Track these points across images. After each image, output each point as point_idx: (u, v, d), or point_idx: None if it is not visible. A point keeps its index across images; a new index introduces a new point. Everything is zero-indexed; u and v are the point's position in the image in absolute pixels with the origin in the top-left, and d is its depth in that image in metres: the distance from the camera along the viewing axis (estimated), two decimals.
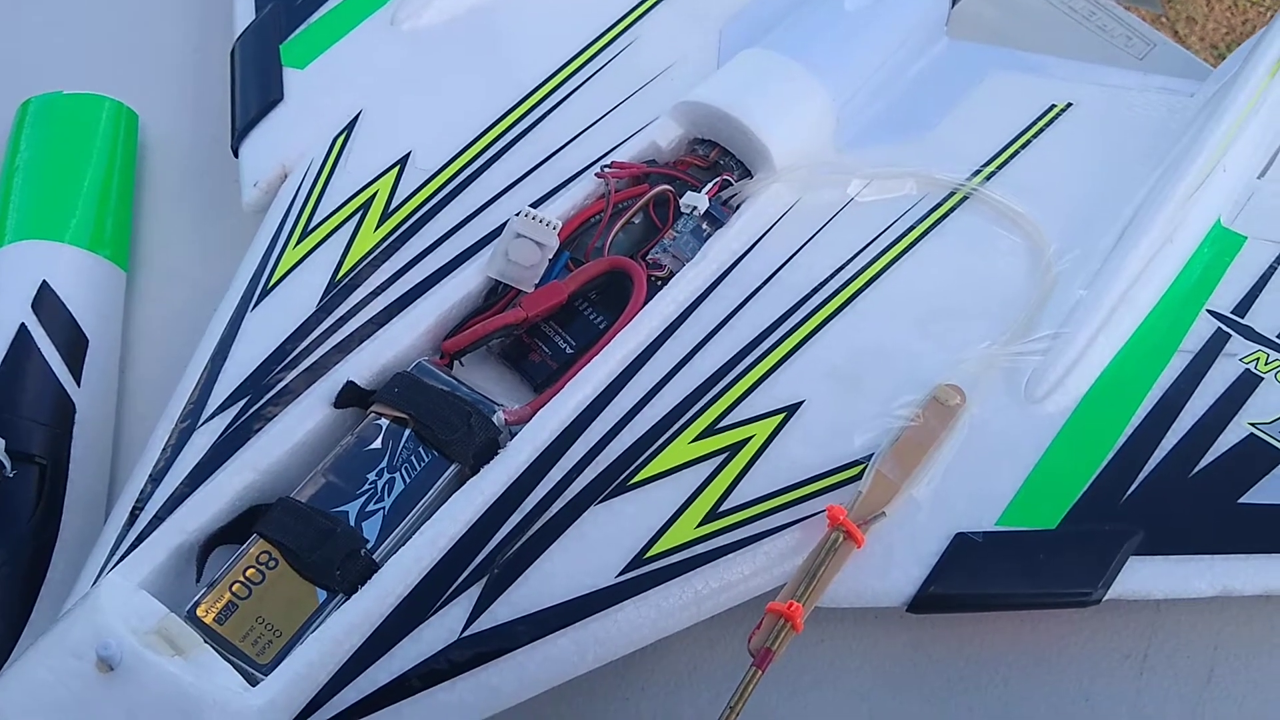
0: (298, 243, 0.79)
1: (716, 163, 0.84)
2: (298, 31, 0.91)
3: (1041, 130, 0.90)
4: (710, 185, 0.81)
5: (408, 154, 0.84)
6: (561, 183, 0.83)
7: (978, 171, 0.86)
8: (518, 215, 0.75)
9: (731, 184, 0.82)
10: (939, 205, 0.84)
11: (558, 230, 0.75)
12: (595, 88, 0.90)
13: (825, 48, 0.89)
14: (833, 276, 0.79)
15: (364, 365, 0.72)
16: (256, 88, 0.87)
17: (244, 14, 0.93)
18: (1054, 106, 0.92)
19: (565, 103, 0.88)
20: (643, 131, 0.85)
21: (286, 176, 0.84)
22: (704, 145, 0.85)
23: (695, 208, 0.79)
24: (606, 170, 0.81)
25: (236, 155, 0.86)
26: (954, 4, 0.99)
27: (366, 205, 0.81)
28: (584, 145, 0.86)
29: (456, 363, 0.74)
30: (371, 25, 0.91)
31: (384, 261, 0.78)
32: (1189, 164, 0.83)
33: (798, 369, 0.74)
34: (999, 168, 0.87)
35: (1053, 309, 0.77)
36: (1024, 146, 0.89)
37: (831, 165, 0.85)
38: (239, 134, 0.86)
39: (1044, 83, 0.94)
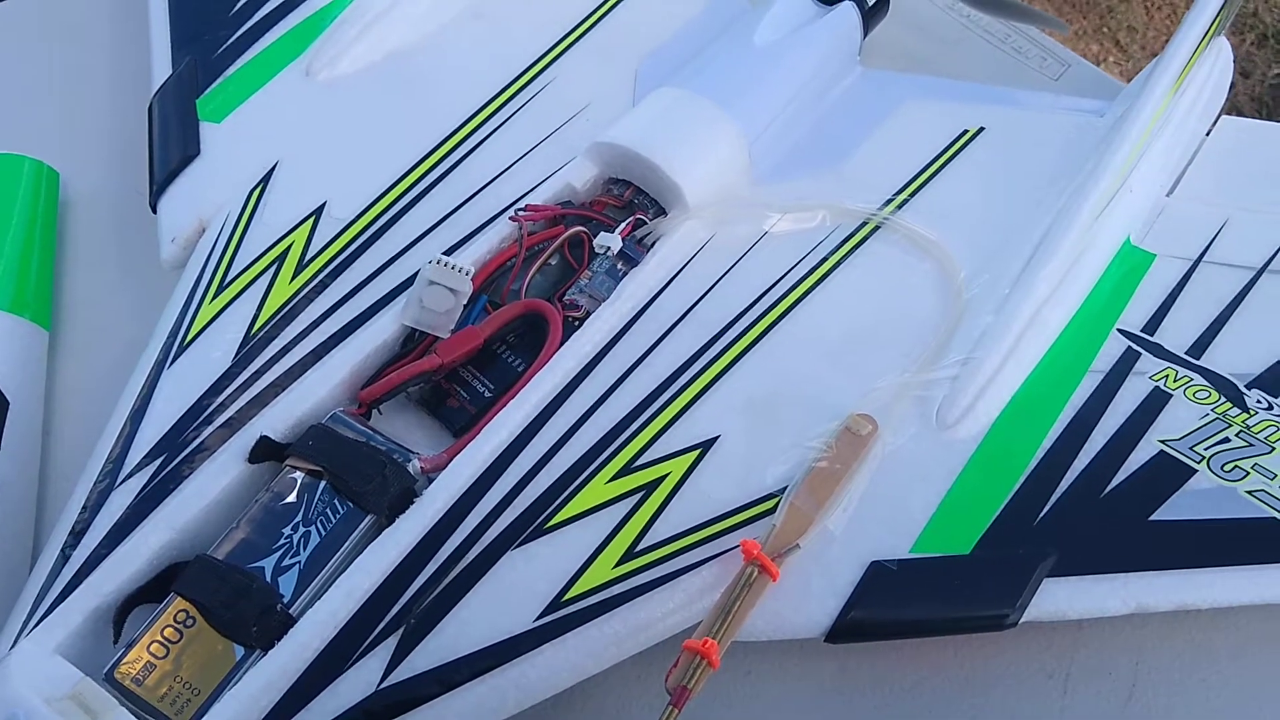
0: (214, 297, 0.79)
1: (631, 202, 0.85)
2: (214, 85, 0.91)
3: (953, 156, 0.92)
4: (623, 225, 0.82)
5: (323, 204, 0.84)
6: (478, 227, 0.84)
7: (890, 200, 0.88)
8: (431, 262, 0.76)
9: (645, 223, 0.83)
10: (851, 235, 0.85)
11: (471, 276, 0.76)
12: (512, 130, 0.91)
13: (735, 84, 0.90)
14: (747, 311, 0.80)
15: (279, 419, 0.72)
16: (174, 143, 0.88)
17: (161, 69, 0.94)
18: (966, 132, 0.94)
19: (482, 146, 0.89)
20: (558, 173, 0.86)
21: (204, 231, 0.84)
22: (619, 185, 0.86)
23: (609, 248, 0.80)
24: (520, 214, 0.82)
25: (155, 211, 0.86)
26: (866, 34, 1.00)
27: (282, 257, 0.81)
28: (501, 188, 0.86)
29: (374, 412, 0.75)
30: (287, 76, 0.92)
31: (300, 313, 0.78)
32: (1095, 184, 0.85)
33: (713, 404, 0.75)
34: (911, 195, 0.88)
35: (963, 335, 0.78)
36: (936, 173, 0.90)
37: (744, 200, 0.86)
38: (156, 190, 0.86)
39: (956, 108, 0.96)
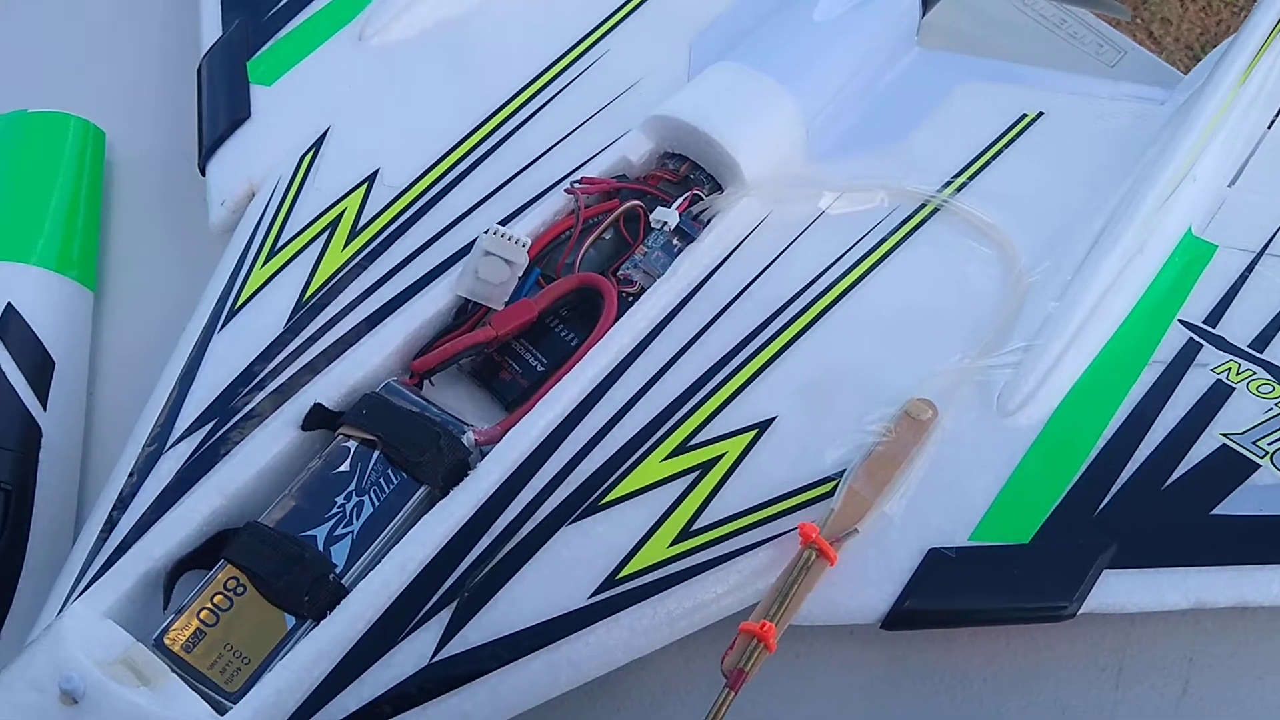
0: (265, 262, 0.78)
1: (687, 177, 0.84)
2: (265, 47, 0.90)
3: (1012, 140, 0.90)
4: (680, 200, 0.81)
5: (376, 171, 0.83)
6: (531, 199, 0.82)
7: (949, 183, 0.86)
8: (486, 233, 0.75)
9: (702, 199, 0.82)
10: (910, 217, 0.84)
11: (527, 248, 0.75)
12: (565, 102, 0.89)
13: (794, 60, 0.89)
14: (804, 291, 0.79)
15: (332, 386, 0.71)
16: (223, 105, 0.87)
17: (211, 30, 0.93)
18: (1024, 116, 0.92)
19: (535, 117, 0.88)
20: (613, 146, 0.84)
21: (254, 195, 0.83)
22: (674, 159, 0.84)
23: (665, 223, 0.79)
24: (576, 186, 0.80)
25: (204, 174, 0.85)
26: (924, 14, 0.99)
27: (334, 224, 0.80)
28: (554, 160, 0.85)
29: (426, 382, 0.74)
30: (339, 40, 0.91)
31: (352, 280, 0.77)
32: (1159, 173, 0.83)
33: (769, 385, 0.74)
34: (970, 178, 0.87)
35: (1024, 321, 0.77)
36: (995, 157, 0.89)
37: (802, 179, 0.85)
38: (206, 152, 0.85)
39: (1014, 92, 0.94)
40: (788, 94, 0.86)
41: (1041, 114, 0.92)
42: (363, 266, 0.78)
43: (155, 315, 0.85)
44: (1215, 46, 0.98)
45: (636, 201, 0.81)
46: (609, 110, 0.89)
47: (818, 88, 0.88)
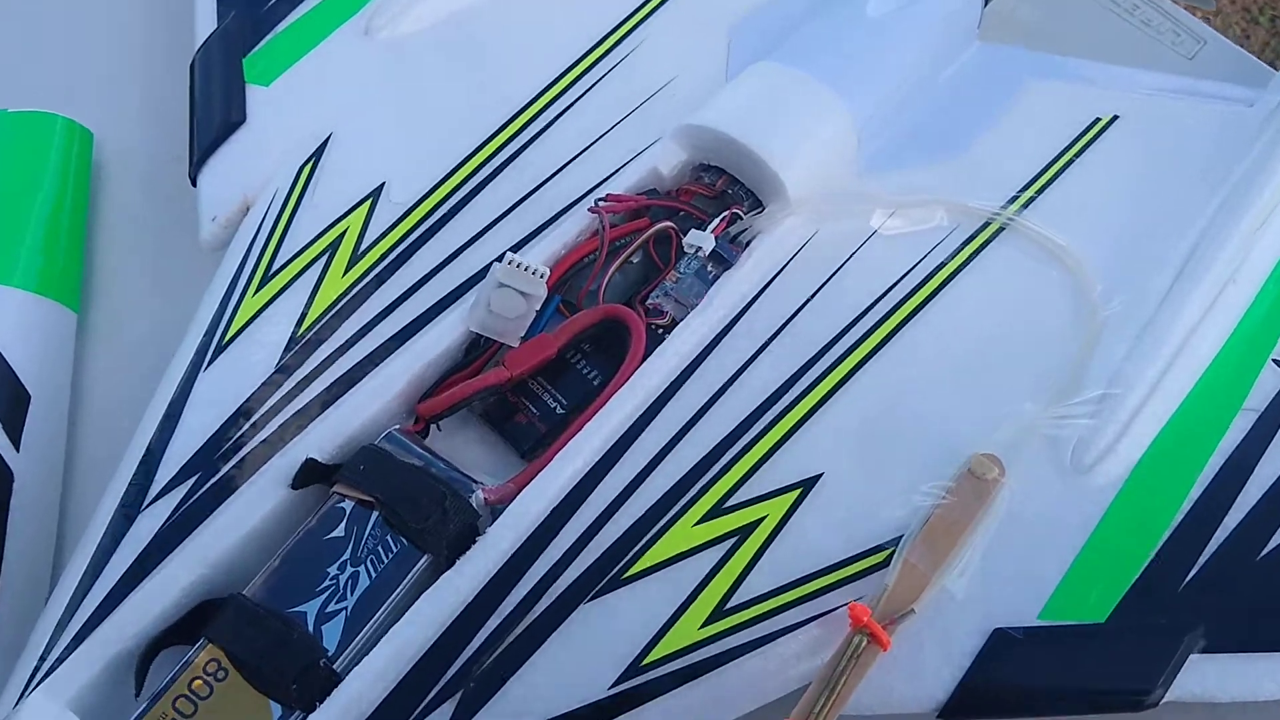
0: (257, 289, 0.71)
1: (724, 192, 0.76)
2: (263, 42, 0.82)
3: (1085, 148, 0.81)
4: (716, 221, 0.72)
5: (381, 184, 0.75)
6: (553, 215, 0.75)
7: (1015, 197, 0.78)
8: (500, 261, 0.67)
9: (741, 217, 0.74)
10: (972, 238, 0.75)
11: (545, 278, 0.67)
12: (590, 105, 0.81)
13: (844, 59, 0.80)
14: (854, 324, 0.71)
15: (327, 437, 0.64)
16: (217, 108, 0.79)
17: (205, 22, 0.85)
18: (1098, 120, 0.83)
19: (556, 123, 0.80)
20: (642, 157, 0.76)
21: (249, 209, 0.76)
22: (710, 172, 0.76)
23: (700, 248, 0.71)
24: (600, 204, 0.72)
25: (194, 184, 0.78)
26: (986, 3, 0.90)
27: (334, 246, 0.72)
28: (577, 173, 0.77)
29: (433, 428, 0.66)
30: (343, 35, 0.83)
31: (353, 312, 0.70)
32: (1254, 193, 0.75)
33: (815, 435, 0.66)
34: (1038, 192, 0.78)
35: (1101, 361, 0.69)
36: (1066, 167, 0.80)
37: (852, 195, 0.76)
38: (197, 160, 0.78)
39: (1086, 92, 0.85)
40: (838, 99, 0.77)
41: (1116, 118, 0.83)
42: (365, 295, 0.71)
43: (146, 337, 0.78)
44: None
45: (667, 223, 0.73)
46: (639, 113, 0.81)
47: (871, 91, 0.80)
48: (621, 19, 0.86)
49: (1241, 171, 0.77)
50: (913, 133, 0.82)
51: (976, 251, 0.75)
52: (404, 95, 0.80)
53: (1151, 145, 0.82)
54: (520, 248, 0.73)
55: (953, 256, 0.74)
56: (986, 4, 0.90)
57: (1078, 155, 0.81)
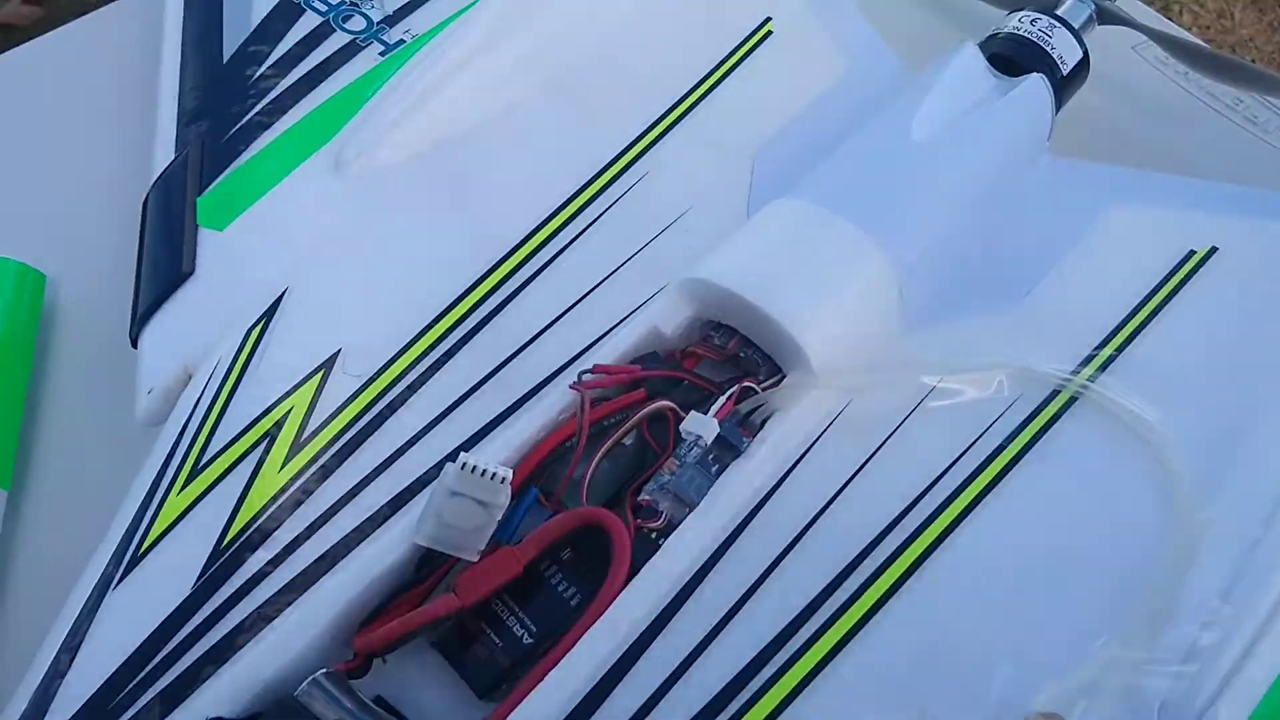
0: (184, 486, 0.60)
1: (737, 355, 0.64)
2: (220, 179, 0.73)
3: (1175, 291, 0.68)
4: (722, 400, 0.60)
5: (337, 352, 0.65)
6: (534, 387, 0.64)
7: (1090, 357, 0.64)
8: (455, 463, 0.56)
9: (756, 391, 0.62)
10: (1037, 412, 0.63)
11: (508, 481, 0.56)
12: (588, 246, 0.70)
13: (883, 194, 0.68)
14: (889, 531, 0.58)
15: (241, 684, 0.53)
16: (164, 257, 0.70)
17: (164, 152, 0.76)
18: (1192, 254, 0.70)
19: (548, 269, 0.69)
20: (640, 315, 0.65)
21: (190, 379, 0.66)
22: (721, 331, 0.64)
23: (700, 437, 0.59)
24: (585, 378, 0.61)
25: (134, 345, 0.68)
26: (1059, 109, 0.77)
27: (274, 431, 0.62)
28: (567, 331, 0.66)
29: (375, 662, 0.55)
30: (311, 169, 0.73)
31: (288, 516, 0.59)
32: None
33: (838, 684, 0.53)
34: (1118, 350, 0.65)
35: (1198, 587, 0.55)
36: (1152, 316, 0.67)
37: (890, 362, 0.64)
38: (139, 318, 0.68)
39: (1177, 218, 0.72)
40: (874, 245, 0.65)
41: (1214, 250, 0.70)
42: (304, 493, 0.60)
43: (87, 518, 0.68)
44: None
45: (663, 402, 0.61)
46: (645, 256, 0.70)
47: (916, 232, 0.67)
48: (630, 141, 0.75)
49: None
50: (968, 274, 0.69)
51: (1042, 430, 0.62)
52: (373, 241, 0.70)
53: (1257, 286, 0.68)
54: (494, 429, 0.62)
55: (1012, 438, 0.62)
56: (1059, 110, 0.77)
57: (1167, 300, 0.68)
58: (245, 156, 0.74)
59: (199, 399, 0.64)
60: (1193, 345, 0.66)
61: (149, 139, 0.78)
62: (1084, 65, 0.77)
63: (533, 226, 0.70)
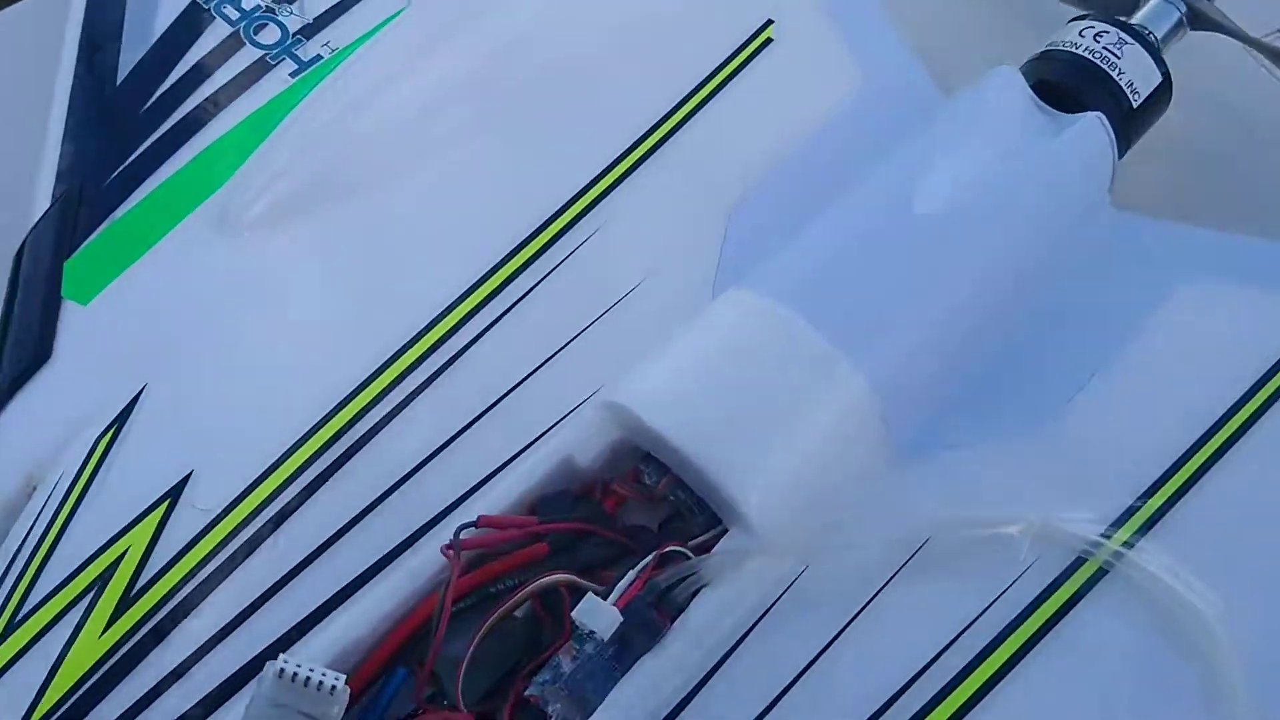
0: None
1: (668, 498, 0.50)
2: (93, 236, 0.61)
3: (1262, 411, 0.52)
4: (632, 576, 0.47)
5: (187, 476, 0.53)
6: (414, 533, 0.51)
7: (1131, 511, 0.49)
8: (273, 665, 0.44)
9: (686, 555, 0.49)
10: (1055, 585, 0.48)
11: (341, 691, 0.44)
12: (506, 335, 0.57)
13: (872, 290, 0.53)
14: None
15: None
16: (20, 335, 0.59)
17: (45, 191, 0.65)
18: None
19: (453, 367, 0.56)
20: (552, 439, 0.52)
21: (34, 492, 0.55)
22: (652, 465, 0.51)
23: (593, 632, 0.46)
24: (467, 536, 0.49)
25: None
26: (1126, 151, 0.60)
27: (106, 577, 0.51)
28: (467, 452, 0.53)
29: None
30: (190, 228, 0.61)
31: (106, 696, 0.49)
32: None
33: None
34: (1172, 499, 0.50)
35: None
36: (1225, 450, 0.51)
37: (867, 512, 0.50)
38: None
39: (1266, 301, 0.55)
40: (851, 366, 0.50)
41: None
42: (124, 669, 0.49)
43: None
44: None
45: (560, 575, 0.48)
46: (577, 346, 0.56)
47: (915, 340, 0.53)
48: (579, 190, 0.61)
49: None
50: (986, 384, 0.54)
51: (1061, 611, 0.48)
52: (251, 325, 0.58)
53: None
54: (361, 587, 0.50)
55: (1022, 619, 0.47)
56: (1128, 150, 0.60)
57: (1248, 426, 0.52)
58: (125, 207, 0.62)
59: (32, 526, 0.54)
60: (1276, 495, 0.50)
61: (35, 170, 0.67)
62: (1164, 91, 0.60)
63: (443, 307, 0.57)
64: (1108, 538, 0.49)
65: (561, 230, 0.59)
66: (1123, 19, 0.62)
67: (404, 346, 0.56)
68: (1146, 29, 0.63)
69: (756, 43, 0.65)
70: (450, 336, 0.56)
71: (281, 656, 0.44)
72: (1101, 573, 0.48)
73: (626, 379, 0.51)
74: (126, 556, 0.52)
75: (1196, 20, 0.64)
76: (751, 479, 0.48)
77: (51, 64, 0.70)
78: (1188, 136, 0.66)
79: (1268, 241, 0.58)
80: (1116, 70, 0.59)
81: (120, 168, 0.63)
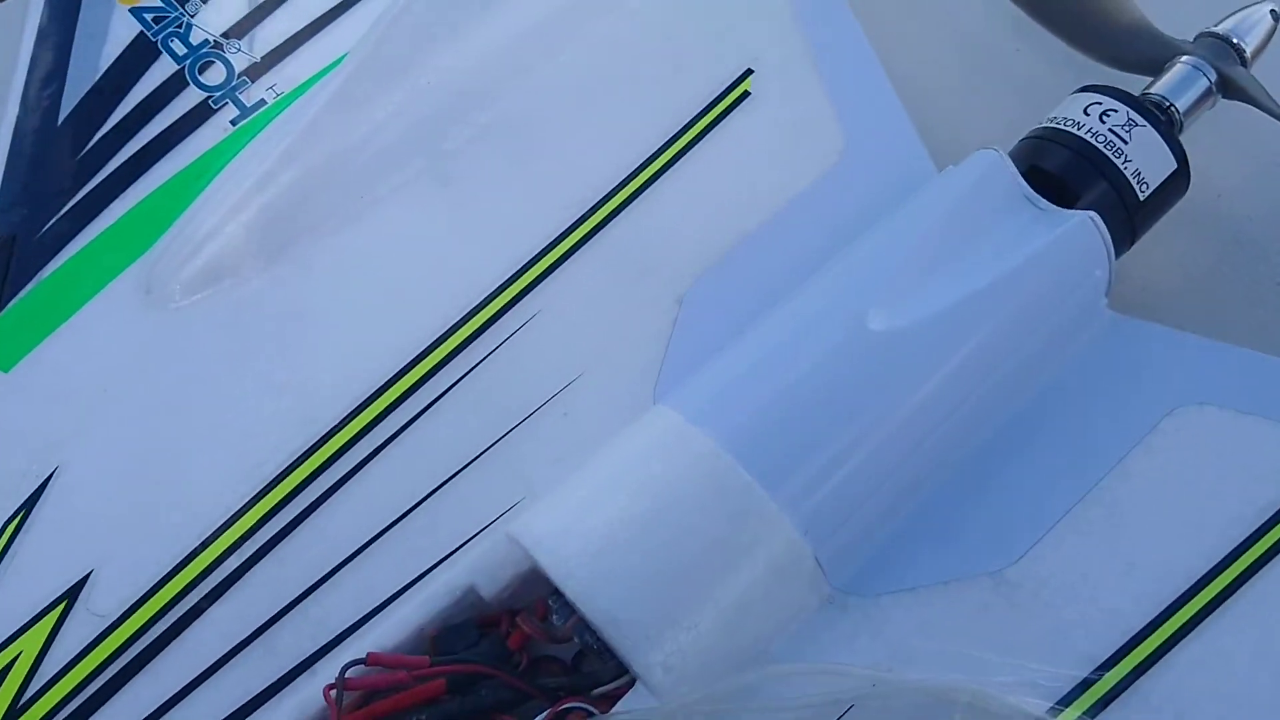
0: None
1: (573, 639, 0.47)
2: (20, 296, 0.58)
3: (1257, 565, 0.46)
4: None
5: (86, 576, 0.51)
6: (308, 657, 0.48)
7: (1086, 684, 0.44)
8: None
9: (588, 712, 0.45)
10: None
11: None
12: (427, 434, 0.53)
13: (812, 416, 0.47)
14: None
15: None
16: None
17: None
18: None
19: (368, 467, 0.52)
20: (454, 566, 0.48)
21: None
22: (560, 601, 0.47)
23: None
24: (350, 675, 0.45)
25: None
26: (1133, 243, 0.53)
27: None
28: (372, 568, 0.50)
29: None
30: (116, 292, 0.58)
31: None
32: None
33: None
34: (1138, 670, 0.44)
35: None
36: (1213, 606, 0.45)
37: (791, 666, 0.45)
38: None
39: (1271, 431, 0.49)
40: (779, 507, 0.45)
41: None
42: None
43: None
44: None
45: None
46: (498, 453, 0.52)
47: (857, 474, 0.47)
48: (522, 264, 0.56)
49: None
50: (943, 519, 0.49)
51: None
52: (166, 407, 0.55)
53: None
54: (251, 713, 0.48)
55: None
56: (1133, 244, 0.54)
57: (1242, 580, 0.46)
58: (55, 264, 0.59)
59: None
60: (1268, 667, 0.44)
61: None
62: (1178, 178, 0.53)
63: (359, 402, 0.53)
64: (1057, 711, 0.44)
65: (494, 316, 0.55)
66: (1139, 95, 0.54)
67: (313, 446, 0.52)
68: (1167, 100, 0.55)
69: (732, 97, 0.59)
70: (363, 436, 0.53)
71: None
72: None
73: (531, 511, 0.47)
74: (19, 661, 0.50)
75: (1228, 90, 0.56)
76: (657, 640, 0.44)
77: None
78: (1223, 220, 0.59)
79: (1252, 351, 0.51)
80: (1123, 157, 0.52)
81: (53, 220, 0.60)
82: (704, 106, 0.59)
